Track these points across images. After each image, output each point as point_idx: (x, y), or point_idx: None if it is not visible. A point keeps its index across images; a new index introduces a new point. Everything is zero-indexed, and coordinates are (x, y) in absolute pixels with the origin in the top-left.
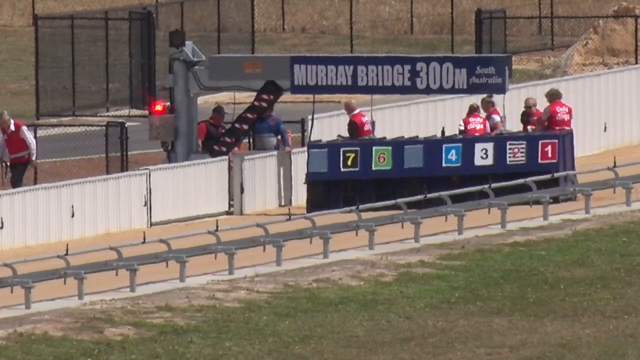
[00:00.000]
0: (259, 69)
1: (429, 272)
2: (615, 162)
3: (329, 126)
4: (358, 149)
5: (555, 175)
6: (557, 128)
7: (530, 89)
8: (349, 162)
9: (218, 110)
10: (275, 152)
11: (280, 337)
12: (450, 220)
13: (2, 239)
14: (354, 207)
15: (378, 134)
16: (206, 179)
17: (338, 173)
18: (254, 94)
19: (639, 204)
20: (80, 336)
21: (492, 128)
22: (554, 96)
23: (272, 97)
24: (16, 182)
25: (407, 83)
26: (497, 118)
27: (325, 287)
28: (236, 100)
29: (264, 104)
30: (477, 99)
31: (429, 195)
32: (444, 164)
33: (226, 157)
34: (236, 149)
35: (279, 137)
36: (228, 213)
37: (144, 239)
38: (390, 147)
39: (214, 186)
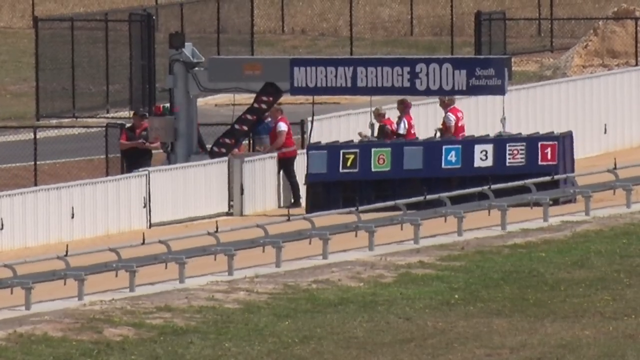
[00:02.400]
0: (258, 70)
1: (429, 273)
2: (615, 164)
3: (329, 128)
4: (357, 150)
5: (555, 177)
6: (460, 135)
7: (530, 90)
8: (349, 164)
9: (138, 113)
10: (274, 154)
11: (279, 338)
12: (450, 221)
13: (2, 240)
14: (353, 208)
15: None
16: (206, 180)
17: (337, 174)
18: (254, 95)
19: (639, 206)
20: (80, 337)
21: (278, 136)
22: (451, 102)
23: (271, 98)
24: None
25: (407, 84)
26: (283, 126)
27: (324, 288)
28: (235, 101)
29: (264, 106)
30: (477, 100)
31: (428, 197)
32: (443, 166)
33: (226, 158)
34: (236, 150)
35: None
36: (228, 214)
37: (144, 240)
38: (389, 149)
39: (214, 187)
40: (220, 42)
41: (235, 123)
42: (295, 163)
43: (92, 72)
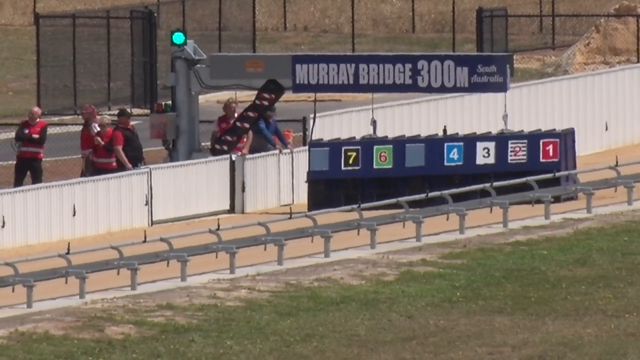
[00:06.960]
0: (260, 67)
1: (431, 271)
2: (617, 161)
3: (331, 125)
4: (359, 147)
5: (557, 174)
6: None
7: (532, 87)
8: (351, 161)
9: (123, 113)
10: (276, 151)
11: (281, 336)
12: (452, 219)
13: (4, 238)
14: (355, 206)
15: (380, 132)
16: (207, 178)
17: (339, 172)
18: (255, 92)
19: None
20: (81, 335)
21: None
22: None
23: (273, 95)
24: None
25: (409, 81)
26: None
27: (326, 286)
28: (237, 99)
29: (265, 103)
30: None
31: (430, 194)
32: (445, 163)
33: (227, 155)
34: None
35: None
36: (229, 212)
37: (145, 238)
38: (391, 146)
39: (215, 185)
40: (222, 39)
41: (237, 120)
42: (296, 160)
43: (94, 69)
